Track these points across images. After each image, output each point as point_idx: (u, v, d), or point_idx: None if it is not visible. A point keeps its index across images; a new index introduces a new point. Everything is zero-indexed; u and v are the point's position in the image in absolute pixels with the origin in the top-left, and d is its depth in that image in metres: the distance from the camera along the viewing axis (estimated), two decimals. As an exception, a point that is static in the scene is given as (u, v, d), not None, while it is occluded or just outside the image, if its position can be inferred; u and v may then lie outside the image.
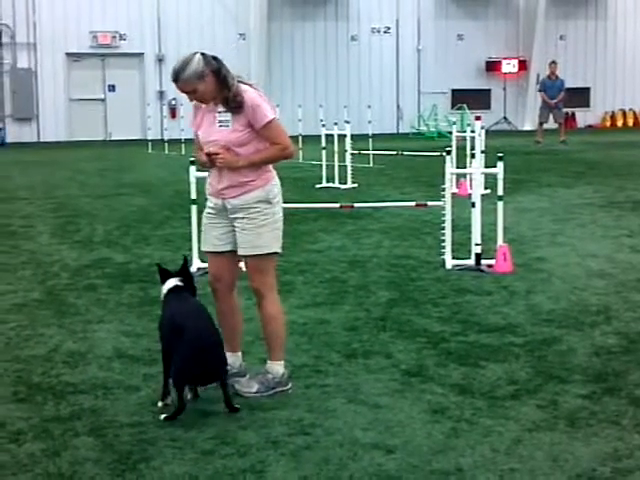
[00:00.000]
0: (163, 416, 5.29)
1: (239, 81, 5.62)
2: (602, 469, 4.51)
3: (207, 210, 5.86)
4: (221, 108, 5.62)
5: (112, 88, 35.92)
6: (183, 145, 25.37)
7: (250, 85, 5.68)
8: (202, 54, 5.59)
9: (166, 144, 27.11)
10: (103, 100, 35.90)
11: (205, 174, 9.47)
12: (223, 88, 5.55)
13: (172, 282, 5.79)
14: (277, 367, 5.75)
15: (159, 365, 5.85)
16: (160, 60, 35.52)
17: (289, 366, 5.97)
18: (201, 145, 5.78)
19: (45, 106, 34.88)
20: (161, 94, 35.47)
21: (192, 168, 9.53)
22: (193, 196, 9.56)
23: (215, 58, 5.60)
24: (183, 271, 5.86)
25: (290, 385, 5.75)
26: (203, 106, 5.71)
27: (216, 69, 5.55)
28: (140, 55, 35.81)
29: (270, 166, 5.75)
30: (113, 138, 35.06)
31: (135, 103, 35.47)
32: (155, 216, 13.79)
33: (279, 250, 5.80)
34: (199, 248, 9.60)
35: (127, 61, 35.79)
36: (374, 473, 4.52)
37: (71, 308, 8.05)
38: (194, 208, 9.57)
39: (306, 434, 5.02)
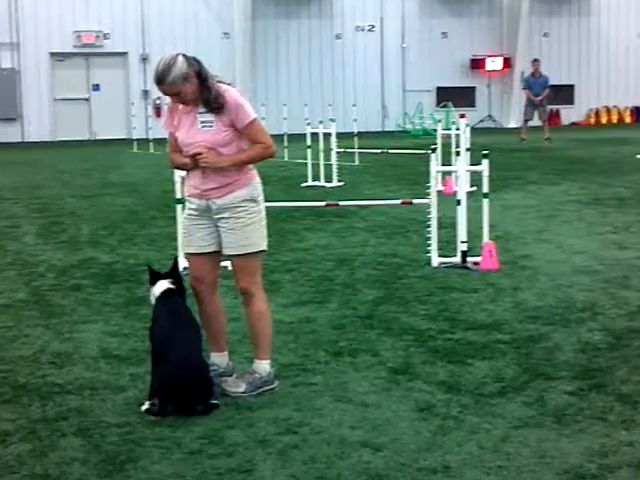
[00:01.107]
0: (144, 407, 5.33)
1: (218, 81, 5.60)
2: (589, 465, 4.52)
3: (188, 212, 5.80)
4: (202, 109, 5.59)
5: (96, 87, 35.83)
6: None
7: (229, 84, 5.66)
8: (184, 55, 5.57)
9: (151, 143, 27.05)
10: (87, 100, 35.79)
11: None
12: (204, 89, 5.53)
13: (164, 285, 5.76)
14: (264, 366, 5.75)
15: (146, 365, 5.86)
16: (144, 59, 35.43)
17: (276, 365, 5.97)
18: (177, 147, 5.78)
19: (29, 106, 34.76)
20: (145, 93, 35.38)
21: (177, 167, 9.50)
22: (178, 195, 9.54)
23: (195, 59, 5.59)
24: (173, 272, 5.84)
25: (277, 383, 5.75)
26: (180, 107, 5.68)
27: (197, 70, 5.54)
28: (124, 54, 35.74)
29: (251, 165, 5.74)
30: (98, 137, 34.97)
31: (119, 102, 35.37)
32: (140, 216, 13.76)
33: (266, 248, 5.80)
34: (185, 247, 9.61)
35: (111, 60, 35.70)
36: (362, 471, 4.52)
37: (57, 308, 8.03)
38: (179, 207, 9.54)
39: (294, 433, 5.02)
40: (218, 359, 5.90)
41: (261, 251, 5.75)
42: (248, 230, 5.64)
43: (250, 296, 5.75)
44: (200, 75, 5.52)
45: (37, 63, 34.76)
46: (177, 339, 5.40)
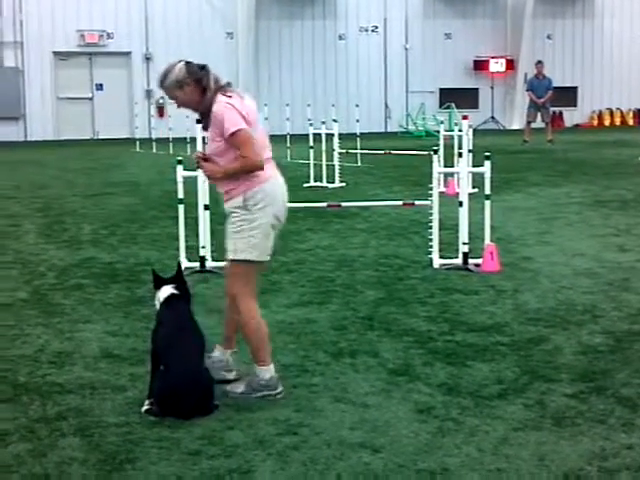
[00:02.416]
0: (144, 408, 5.34)
1: (223, 89, 5.58)
2: (589, 468, 4.51)
3: None
4: None
5: (100, 87, 35.86)
6: (171, 144, 25.32)
7: (230, 94, 5.59)
8: (186, 63, 5.63)
9: (154, 143, 27.06)
10: (90, 99, 35.83)
11: (191, 173, 9.51)
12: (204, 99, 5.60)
13: (167, 290, 5.76)
14: (261, 370, 5.67)
15: (146, 365, 5.85)
16: (148, 59, 35.45)
17: (276, 365, 5.94)
18: None
19: (32, 105, 34.79)
20: (149, 93, 35.41)
21: (179, 167, 9.51)
22: (180, 195, 9.54)
23: (202, 67, 5.62)
24: (178, 277, 5.86)
25: (280, 390, 5.65)
26: None
27: (198, 79, 5.57)
28: (127, 54, 35.75)
29: (260, 172, 5.60)
30: (100, 137, 34.99)
31: (123, 102, 35.40)
32: (142, 215, 13.76)
33: (252, 258, 5.64)
34: (186, 247, 9.63)
35: (114, 60, 35.72)
36: (361, 472, 4.52)
37: (57, 308, 8.03)
38: (181, 207, 9.56)
39: (293, 434, 5.01)
40: (224, 355, 5.94)
41: (245, 260, 5.65)
42: (235, 237, 5.65)
43: (233, 302, 5.78)
44: (200, 83, 5.56)
45: (40, 62, 34.80)
46: (179, 347, 5.39)
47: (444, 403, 5.46)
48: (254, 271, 5.73)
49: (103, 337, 7.03)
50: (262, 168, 5.59)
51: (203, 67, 5.64)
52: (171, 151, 24.76)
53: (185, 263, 9.37)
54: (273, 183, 5.69)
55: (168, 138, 25.63)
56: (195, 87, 5.57)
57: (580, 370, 6.03)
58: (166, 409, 5.23)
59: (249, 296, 5.70)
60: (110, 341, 6.92)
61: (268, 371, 5.69)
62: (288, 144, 21.52)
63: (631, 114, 40.81)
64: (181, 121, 24.48)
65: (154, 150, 26.70)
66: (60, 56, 35.16)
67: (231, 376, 5.92)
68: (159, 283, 5.83)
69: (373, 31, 38.38)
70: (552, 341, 6.74)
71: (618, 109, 40.78)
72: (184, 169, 9.54)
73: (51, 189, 17.66)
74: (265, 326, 5.76)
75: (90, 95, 35.82)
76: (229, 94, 5.59)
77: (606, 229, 11.76)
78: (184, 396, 5.22)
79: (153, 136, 27.54)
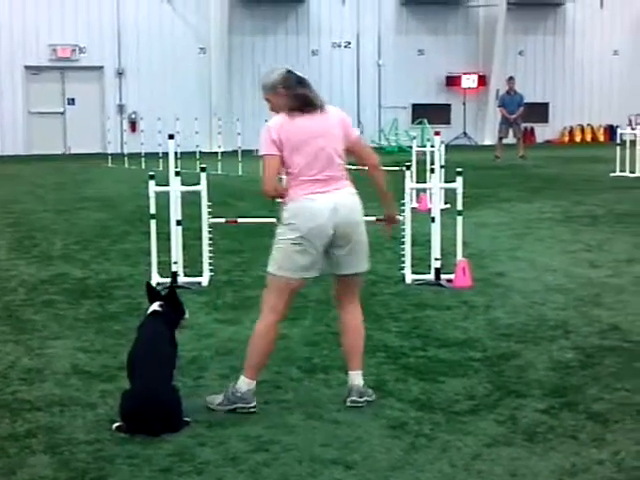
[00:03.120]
0: (115, 425, 5.30)
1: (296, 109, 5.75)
2: (560, 484, 4.53)
3: None
4: None
5: (71, 101, 35.68)
6: (143, 159, 25.24)
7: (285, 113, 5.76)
8: (288, 71, 5.93)
9: (126, 158, 26.95)
10: (62, 114, 35.65)
11: (163, 189, 9.50)
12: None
13: (153, 307, 5.84)
14: (243, 381, 5.68)
15: (117, 382, 5.83)
16: (120, 74, 35.31)
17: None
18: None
19: (3, 120, 34.57)
20: (121, 108, 35.27)
21: (151, 182, 9.48)
22: (152, 211, 9.51)
23: (300, 81, 5.87)
24: (169, 296, 5.92)
25: (254, 404, 5.64)
26: None
27: (286, 87, 5.80)
28: (100, 68, 35.61)
29: (295, 188, 5.83)
30: (72, 152, 34.80)
31: (95, 117, 35.21)
32: (114, 231, 13.70)
33: (270, 270, 5.79)
34: (158, 263, 9.59)
35: (87, 74, 35.55)
36: (333, 489, 4.51)
37: (28, 324, 7.97)
38: (153, 223, 9.52)
39: (265, 450, 5.00)
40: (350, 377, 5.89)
41: (269, 272, 5.80)
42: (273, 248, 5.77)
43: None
44: (287, 94, 5.80)
45: (12, 76, 34.58)
46: (144, 366, 5.39)
47: (416, 419, 5.46)
48: (280, 286, 5.80)
49: (74, 353, 6.99)
50: (267, 194, 5.82)
51: (301, 81, 5.88)
52: (143, 166, 24.65)
53: (157, 279, 9.34)
54: (303, 203, 5.77)
55: (140, 153, 25.54)
56: (283, 96, 5.79)
57: (551, 385, 6.06)
58: (132, 427, 5.20)
59: (270, 310, 5.83)
60: (81, 357, 6.87)
61: (248, 384, 5.68)
62: (261, 159, 21.45)
63: (602, 130, 41.08)
64: (153, 136, 24.59)
65: (126, 165, 26.59)
66: (32, 70, 34.99)
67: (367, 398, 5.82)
68: (152, 298, 5.87)
69: (346, 47, 38.47)
70: (524, 357, 6.76)
71: (589, 125, 41.05)
72: (156, 184, 9.51)
73: (22, 204, 17.55)
74: (271, 345, 5.81)
75: (62, 110, 35.63)
76: (284, 113, 5.76)
77: (577, 245, 11.82)
78: (145, 415, 5.18)
79: (125, 151, 27.43)
